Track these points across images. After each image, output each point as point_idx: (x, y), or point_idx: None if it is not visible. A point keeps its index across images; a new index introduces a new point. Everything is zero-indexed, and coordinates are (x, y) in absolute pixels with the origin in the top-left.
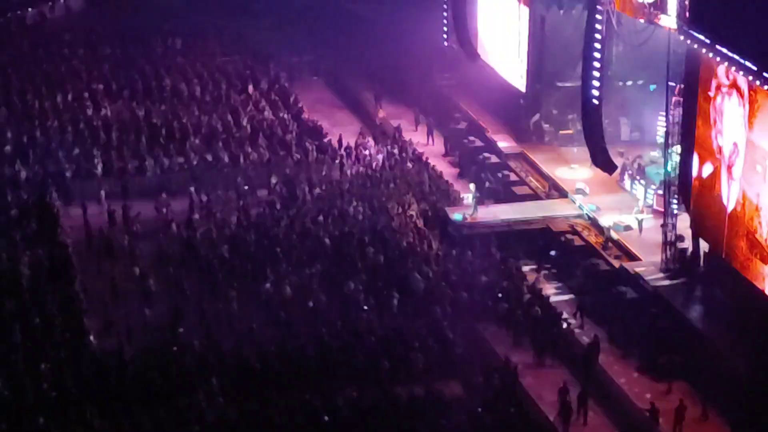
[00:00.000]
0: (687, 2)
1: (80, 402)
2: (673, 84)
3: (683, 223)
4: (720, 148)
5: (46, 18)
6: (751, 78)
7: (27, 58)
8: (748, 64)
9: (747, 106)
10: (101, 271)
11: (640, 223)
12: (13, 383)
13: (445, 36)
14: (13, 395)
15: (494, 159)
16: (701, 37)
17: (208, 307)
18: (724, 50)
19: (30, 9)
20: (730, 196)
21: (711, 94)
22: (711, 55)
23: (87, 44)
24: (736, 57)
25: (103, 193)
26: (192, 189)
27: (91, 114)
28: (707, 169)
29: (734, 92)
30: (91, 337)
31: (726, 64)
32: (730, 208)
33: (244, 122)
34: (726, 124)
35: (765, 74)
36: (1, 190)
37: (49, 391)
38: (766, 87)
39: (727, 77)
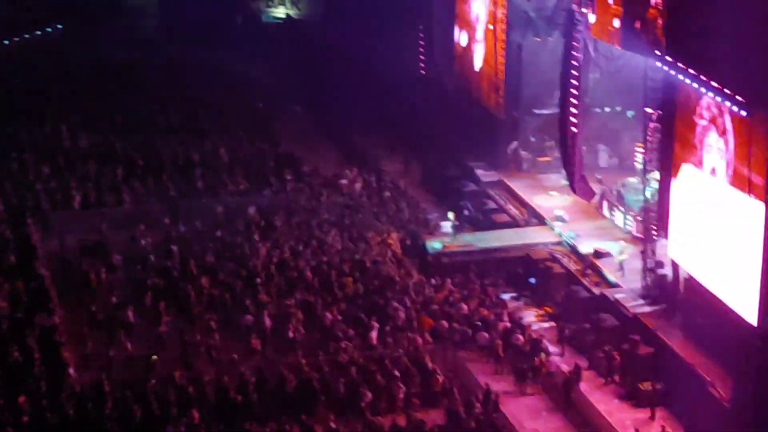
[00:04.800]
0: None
1: None
2: (650, 110)
3: (662, 249)
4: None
5: (22, 49)
6: (727, 103)
7: (2, 89)
8: (725, 90)
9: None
10: (79, 303)
11: (621, 263)
12: None
13: (422, 64)
14: None
15: (472, 187)
16: (677, 63)
17: (187, 339)
18: (701, 77)
19: (6, 41)
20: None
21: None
22: (687, 81)
23: (64, 76)
24: (713, 84)
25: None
26: (169, 220)
27: (68, 145)
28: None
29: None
30: (71, 370)
31: (703, 90)
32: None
33: (222, 152)
34: (705, 151)
35: (738, 98)
36: None
37: (29, 425)
38: (740, 111)
39: (707, 107)
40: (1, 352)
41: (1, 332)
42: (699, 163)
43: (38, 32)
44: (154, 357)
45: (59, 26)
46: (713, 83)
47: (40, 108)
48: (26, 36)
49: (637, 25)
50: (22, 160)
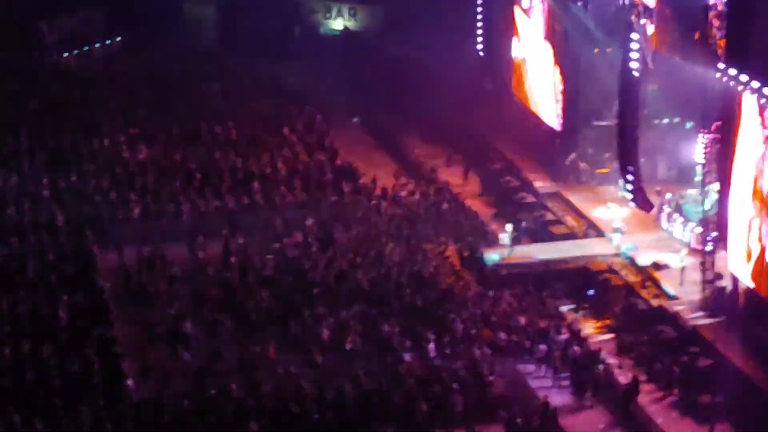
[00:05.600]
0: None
1: None
2: (710, 122)
3: (722, 261)
4: (761, 190)
5: (81, 62)
6: None
7: (62, 102)
8: None
9: None
10: (138, 314)
11: (682, 270)
12: (53, 428)
13: (480, 76)
14: None
15: (530, 198)
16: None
17: (245, 351)
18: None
19: (66, 54)
20: None
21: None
22: (749, 92)
23: (123, 88)
24: None
25: (139, 236)
26: (227, 232)
27: (127, 158)
28: (746, 210)
29: None
30: (129, 382)
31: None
32: None
33: (280, 164)
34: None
35: None
36: (39, 235)
37: None
38: None
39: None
40: (60, 364)
41: (60, 344)
42: (760, 174)
43: (97, 44)
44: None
45: (119, 38)
46: None
47: (100, 120)
48: (86, 48)
49: (696, 35)
50: (81, 172)
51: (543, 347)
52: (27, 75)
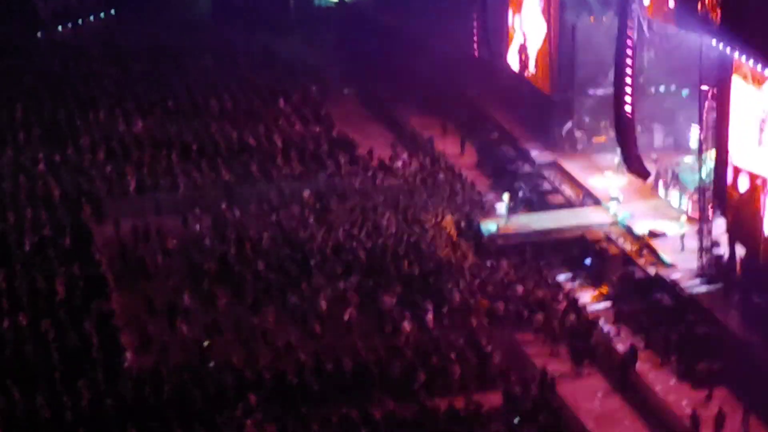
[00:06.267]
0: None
1: (119, 420)
2: (706, 88)
3: (719, 228)
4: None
5: (76, 36)
6: None
7: (57, 76)
8: None
9: None
10: (136, 287)
11: (682, 237)
12: (52, 401)
13: (475, 47)
14: (52, 413)
15: (527, 168)
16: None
17: (243, 323)
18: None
19: (60, 27)
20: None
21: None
22: (744, 58)
23: (117, 61)
24: None
25: (136, 210)
26: (224, 204)
27: (122, 131)
28: (743, 177)
29: None
30: (128, 355)
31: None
32: None
33: (276, 136)
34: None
35: None
36: (35, 209)
37: (87, 409)
38: None
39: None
40: (59, 338)
41: (58, 317)
42: (758, 142)
43: (92, 18)
44: (206, 343)
45: (113, 12)
46: None
47: (95, 93)
48: (80, 22)
49: (693, 3)
50: (77, 145)
51: (540, 317)
52: (22, 49)
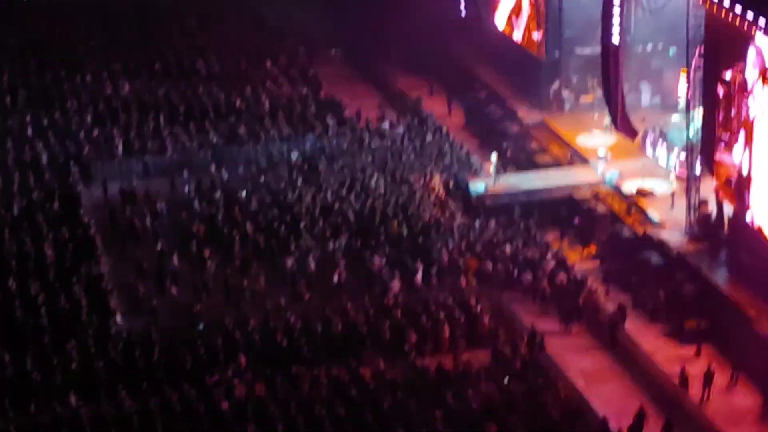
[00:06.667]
0: None
1: (109, 381)
2: (694, 47)
3: (707, 186)
4: (745, 116)
5: None
6: None
7: (44, 39)
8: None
9: None
10: (124, 250)
11: (672, 195)
12: (42, 364)
13: (462, 7)
14: (42, 376)
15: (515, 128)
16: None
17: (233, 284)
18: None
19: None
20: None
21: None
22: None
23: (104, 24)
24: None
25: (124, 172)
26: (213, 167)
27: (110, 94)
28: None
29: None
30: (118, 317)
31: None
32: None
33: (263, 98)
34: (756, 93)
35: None
36: (23, 173)
37: (77, 372)
38: None
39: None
40: (48, 301)
41: (48, 280)
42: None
43: None
44: (197, 307)
45: None
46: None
47: (81, 56)
48: None
49: None
50: (64, 108)
51: (529, 276)
52: (6, 12)
